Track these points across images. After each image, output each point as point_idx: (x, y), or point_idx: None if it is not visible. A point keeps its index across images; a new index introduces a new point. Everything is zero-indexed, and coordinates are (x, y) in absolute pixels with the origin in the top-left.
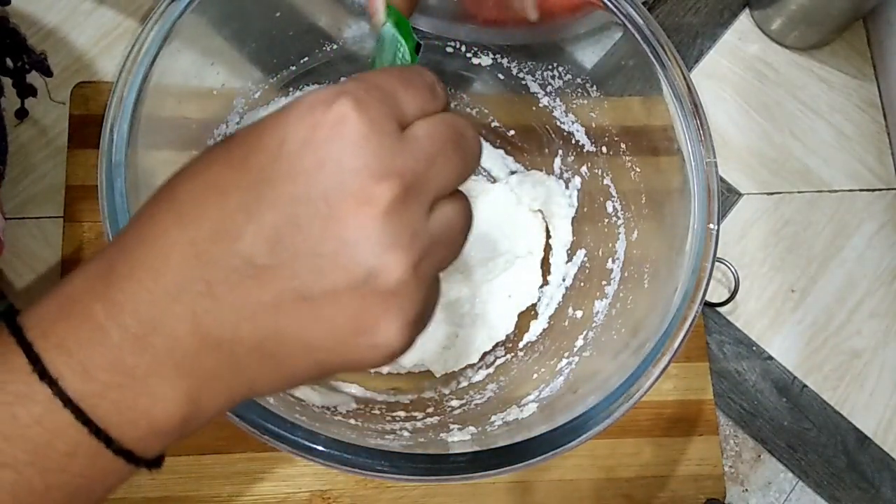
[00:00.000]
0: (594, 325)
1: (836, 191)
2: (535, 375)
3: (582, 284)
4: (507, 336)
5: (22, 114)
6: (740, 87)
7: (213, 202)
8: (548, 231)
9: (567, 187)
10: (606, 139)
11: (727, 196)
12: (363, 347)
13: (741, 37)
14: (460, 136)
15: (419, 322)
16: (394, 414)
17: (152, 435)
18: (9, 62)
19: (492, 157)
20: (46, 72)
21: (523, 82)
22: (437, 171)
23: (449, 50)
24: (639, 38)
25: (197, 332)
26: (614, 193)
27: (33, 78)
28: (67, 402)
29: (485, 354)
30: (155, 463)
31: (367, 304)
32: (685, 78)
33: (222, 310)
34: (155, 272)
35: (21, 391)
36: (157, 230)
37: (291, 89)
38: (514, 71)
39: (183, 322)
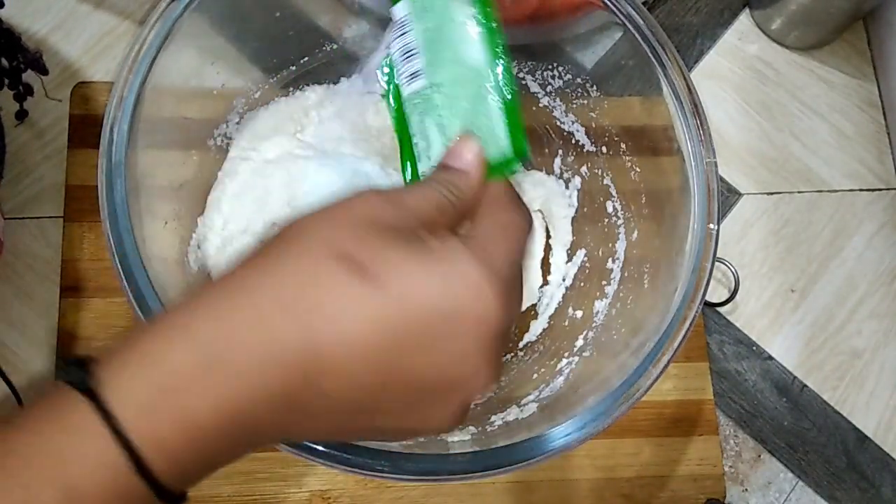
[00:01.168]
0: (594, 325)
1: (836, 191)
2: (535, 375)
3: (582, 284)
4: None
5: (21, 115)
6: (740, 87)
7: (338, 338)
8: (548, 231)
9: (567, 187)
10: (606, 139)
11: (727, 196)
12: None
13: (741, 37)
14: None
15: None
16: None
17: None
18: (4, 63)
19: None
20: (42, 70)
21: (523, 82)
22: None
23: None
24: (639, 38)
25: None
26: (614, 193)
27: (31, 79)
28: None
29: None
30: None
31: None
32: (685, 78)
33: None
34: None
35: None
36: (263, 319)
37: (291, 89)
38: (514, 71)
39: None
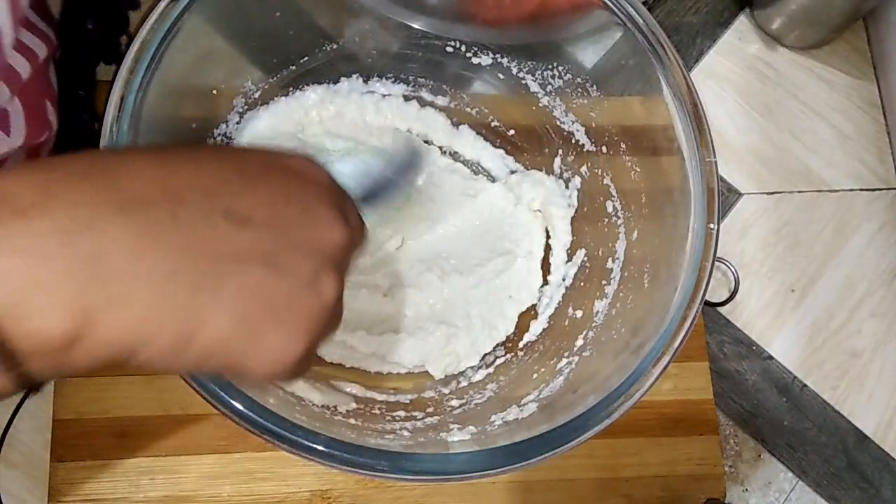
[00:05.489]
0: (594, 324)
1: (836, 191)
2: (535, 375)
3: (582, 284)
4: (507, 336)
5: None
6: (740, 86)
7: (192, 164)
8: (548, 231)
9: (567, 187)
10: (606, 139)
11: (727, 196)
12: (260, 349)
13: (741, 36)
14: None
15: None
16: (394, 414)
17: (36, 343)
18: None
19: (492, 157)
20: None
21: (523, 82)
22: (347, 266)
23: (449, 50)
24: (639, 38)
25: (132, 248)
26: (614, 193)
27: None
28: None
29: (485, 354)
30: (34, 386)
31: (300, 301)
32: (685, 78)
33: (173, 244)
34: (115, 183)
35: None
36: (126, 162)
37: (291, 89)
38: (514, 71)
39: (123, 235)
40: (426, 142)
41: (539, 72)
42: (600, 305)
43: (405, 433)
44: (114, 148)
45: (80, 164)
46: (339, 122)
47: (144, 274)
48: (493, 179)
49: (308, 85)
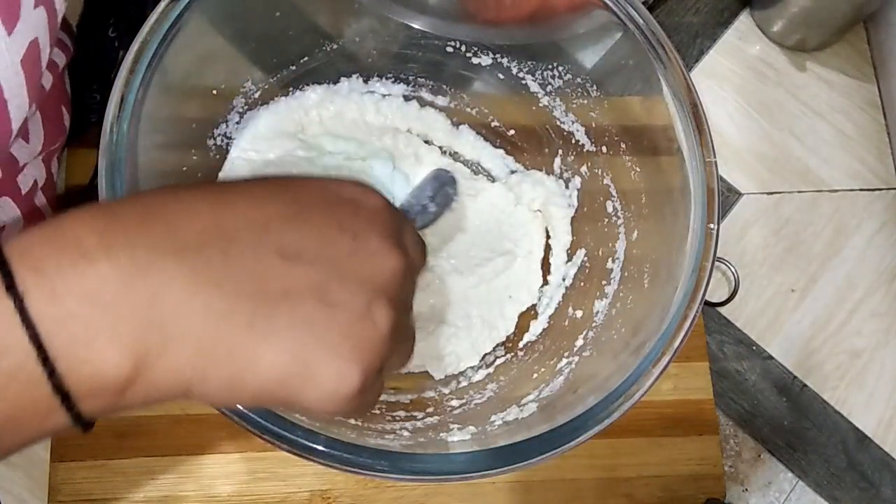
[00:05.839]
0: (594, 324)
1: (836, 191)
2: (535, 375)
3: (582, 284)
4: (507, 336)
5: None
6: (740, 87)
7: (247, 202)
8: (547, 231)
9: (567, 187)
10: (606, 139)
11: (727, 196)
12: (317, 379)
13: (741, 37)
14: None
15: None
16: (394, 414)
17: (93, 385)
18: None
19: (492, 157)
20: None
21: (523, 82)
22: (411, 289)
23: (449, 50)
24: (639, 38)
25: (186, 290)
26: (614, 193)
27: None
28: (26, 319)
29: (485, 354)
30: (87, 424)
31: (353, 332)
32: (685, 78)
33: (225, 282)
34: (171, 226)
35: None
36: (182, 204)
37: (291, 89)
38: (514, 71)
39: (178, 277)
40: (426, 142)
41: (539, 72)
42: (600, 305)
43: (405, 433)
44: (174, 188)
45: (139, 208)
46: (339, 122)
47: (197, 315)
48: (493, 179)
49: (308, 85)
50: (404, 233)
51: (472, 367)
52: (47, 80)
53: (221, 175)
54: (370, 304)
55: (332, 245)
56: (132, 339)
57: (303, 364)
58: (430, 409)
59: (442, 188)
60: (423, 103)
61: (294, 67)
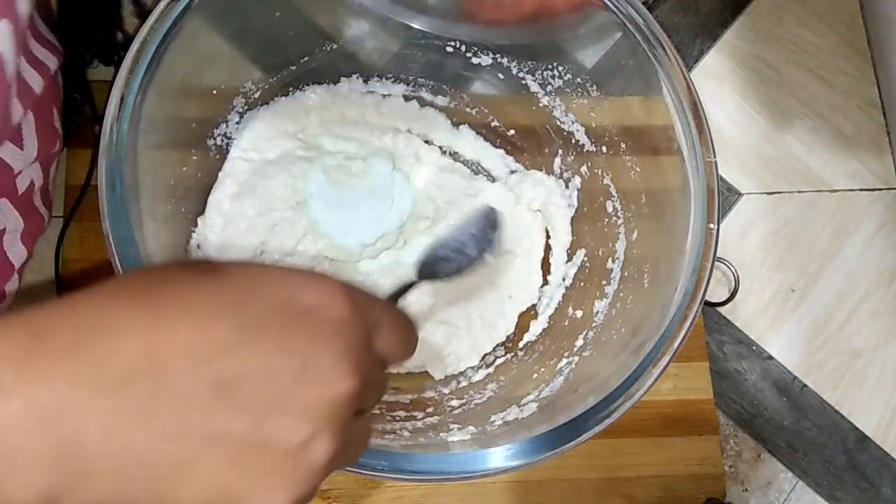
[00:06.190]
0: (594, 324)
1: (836, 191)
2: (535, 375)
3: (582, 284)
4: (507, 336)
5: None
6: (740, 87)
7: (190, 323)
8: (547, 231)
9: (567, 187)
10: (606, 139)
11: (727, 196)
12: None
13: (741, 36)
14: (385, 390)
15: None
16: (394, 414)
17: None
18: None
19: (492, 157)
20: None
21: (523, 82)
22: (371, 395)
23: (449, 50)
24: (639, 38)
25: (107, 431)
26: (614, 193)
27: None
28: None
29: (485, 354)
30: None
31: (285, 467)
32: (685, 78)
33: (147, 424)
34: (98, 356)
35: None
36: (115, 323)
37: (291, 89)
38: (514, 71)
39: (99, 416)
40: (426, 142)
41: (539, 72)
42: (600, 305)
43: (405, 433)
44: (114, 294)
45: (66, 332)
46: (340, 122)
47: (115, 457)
48: (493, 179)
49: (308, 85)
50: (374, 338)
51: (472, 367)
52: (38, 83)
53: (221, 175)
54: (309, 439)
55: (276, 376)
56: (43, 477)
57: (226, 500)
58: (430, 409)
59: (486, 232)
60: (423, 103)
61: (294, 67)
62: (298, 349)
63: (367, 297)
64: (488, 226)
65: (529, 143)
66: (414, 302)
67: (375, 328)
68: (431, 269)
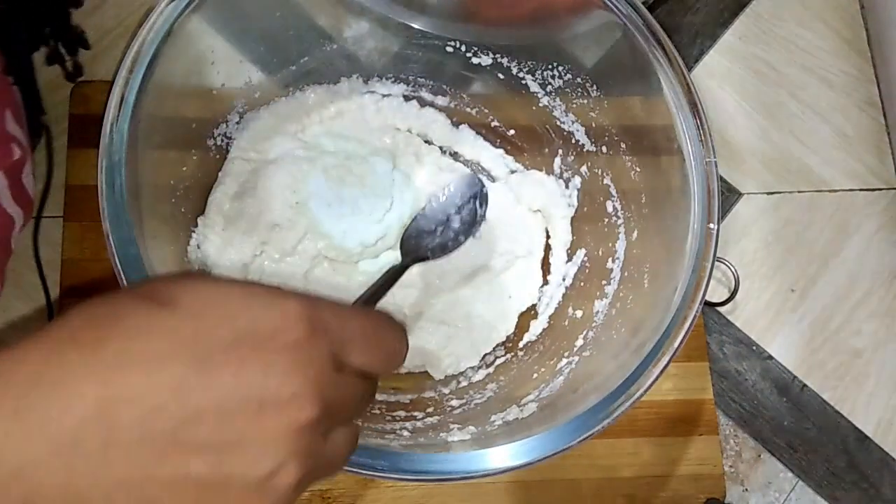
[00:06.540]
0: (594, 324)
1: (836, 191)
2: (535, 375)
3: (582, 284)
4: (507, 336)
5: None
6: (740, 87)
7: (142, 367)
8: (547, 231)
9: (567, 187)
10: (606, 139)
11: (727, 196)
12: None
13: (741, 36)
14: (370, 400)
15: None
16: (394, 414)
17: None
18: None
19: (492, 157)
20: (85, 45)
21: (523, 82)
22: (346, 412)
23: (449, 50)
24: (639, 38)
25: (64, 495)
26: (614, 193)
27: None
28: None
29: (485, 354)
30: None
31: (250, 500)
32: (685, 78)
33: (104, 475)
34: (48, 415)
35: None
36: (63, 377)
37: (291, 89)
38: (514, 71)
39: (49, 480)
40: (426, 141)
41: (539, 72)
42: (600, 305)
43: (405, 433)
44: (50, 341)
45: (12, 390)
46: (340, 122)
47: None
48: (493, 179)
49: (308, 85)
50: (348, 353)
51: (472, 367)
52: None
53: (221, 175)
54: (272, 470)
55: (232, 412)
56: None
57: None
58: (430, 409)
59: (471, 201)
60: (423, 103)
61: (294, 67)
62: (254, 382)
63: (335, 312)
64: (471, 194)
65: (529, 143)
66: (414, 303)
67: (348, 343)
68: (416, 244)
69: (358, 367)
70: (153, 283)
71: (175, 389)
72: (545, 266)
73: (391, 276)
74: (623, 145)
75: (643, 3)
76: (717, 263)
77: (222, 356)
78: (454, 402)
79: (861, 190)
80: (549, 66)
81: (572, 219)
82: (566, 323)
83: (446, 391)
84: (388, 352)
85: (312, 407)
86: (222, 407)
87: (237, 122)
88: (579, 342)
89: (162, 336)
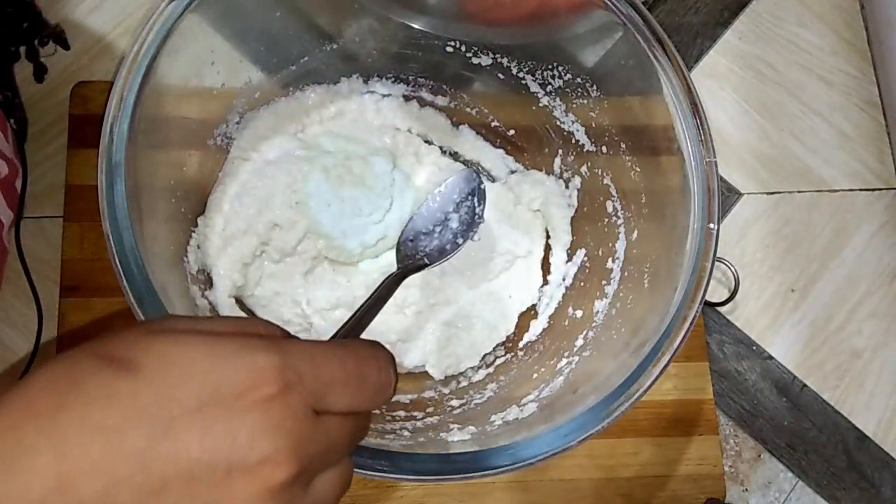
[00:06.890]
0: (594, 324)
1: (836, 191)
2: (535, 375)
3: (582, 284)
4: (507, 336)
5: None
6: (740, 87)
7: (102, 436)
8: (547, 231)
9: (567, 187)
10: (606, 139)
11: (727, 196)
12: None
13: (741, 36)
14: (362, 433)
15: None
16: (394, 413)
17: None
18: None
19: (492, 157)
20: (64, 44)
21: (523, 82)
22: (331, 457)
23: (449, 50)
24: (639, 38)
25: None
26: (614, 193)
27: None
28: None
29: (485, 354)
30: None
31: None
32: (685, 78)
33: None
34: (7, 497)
35: None
36: (21, 452)
37: (291, 89)
38: (514, 71)
39: None
40: (426, 141)
41: (539, 72)
42: (600, 305)
43: (405, 433)
44: (7, 412)
45: None
46: (340, 121)
47: None
48: (493, 179)
49: (308, 85)
50: (330, 399)
51: (472, 367)
52: None
53: (221, 175)
54: None
55: (200, 479)
56: None
57: None
58: (430, 409)
59: (469, 198)
60: (423, 103)
61: (294, 67)
62: (221, 446)
63: (310, 358)
64: (469, 190)
65: (529, 143)
66: (414, 303)
67: (326, 388)
68: (413, 247)
69: (344, 409)
70: (114, 343)
71: (138, 458)
72: (545, 266)
73: (383, 293)
74: (623, 145)
75: (643, 3)
76: (717, 263)
77: (187, 420)
78: (454, 402)
79: (861, 190)
80: (549, 66)
81: (572, 219)
82: (566, 323)
83: (446, 391)
84: (373, 388)
85: (288, 465)
86: (189, 474)
87: (237, 122)
88: (579, 342)
89: (122, 402)
